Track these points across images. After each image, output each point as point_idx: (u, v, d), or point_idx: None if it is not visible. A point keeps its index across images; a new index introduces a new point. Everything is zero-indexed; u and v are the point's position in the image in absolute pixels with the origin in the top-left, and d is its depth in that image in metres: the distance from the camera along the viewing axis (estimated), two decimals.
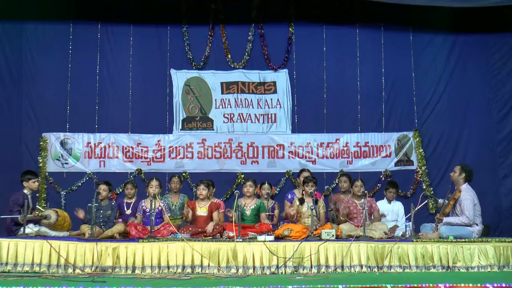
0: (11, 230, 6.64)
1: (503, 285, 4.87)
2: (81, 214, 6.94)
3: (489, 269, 6.13)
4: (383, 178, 8.78)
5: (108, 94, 8.83)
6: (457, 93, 8.92)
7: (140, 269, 6.02)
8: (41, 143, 8.55)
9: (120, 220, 7.17)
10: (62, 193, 8.52)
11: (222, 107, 8.96)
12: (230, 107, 8.96)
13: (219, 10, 8.97)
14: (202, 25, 8.96)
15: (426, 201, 8.23)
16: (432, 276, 5.76)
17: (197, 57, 8.98)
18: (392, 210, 7.69)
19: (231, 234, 6.40)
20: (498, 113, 8.85)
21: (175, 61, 8.96)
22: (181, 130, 8.87)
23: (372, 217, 7.10)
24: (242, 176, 8.60)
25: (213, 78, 9.00)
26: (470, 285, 4.90)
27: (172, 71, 8.94)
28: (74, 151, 8.68)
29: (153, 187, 7.15)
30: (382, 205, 7.62)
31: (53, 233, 6.63)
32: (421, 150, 8.82)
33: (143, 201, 7.24)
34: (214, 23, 9.00)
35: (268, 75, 9.05)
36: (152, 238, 6.29)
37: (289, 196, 7.55)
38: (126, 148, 8.75)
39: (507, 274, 5.94)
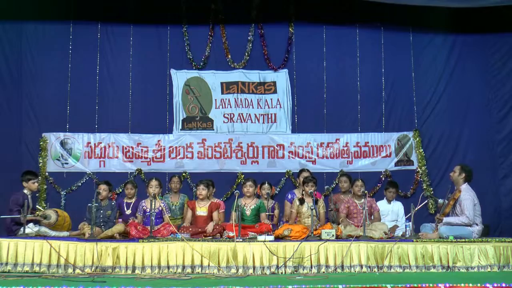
0: (11, 230, 6.64)
1: (503, 285, 4.87)
2: (86, 231, 6.61)
3: (489, 269, 6.12)
4: (383, 178, 8.78)
5: (108, 94, 8.83)
6: (457, 93, 8.92)
7: (140, 269, 6.02)
8: (41, 143, 8.54)
9: (120, 220, 7.16)
10: (62, 193, 8.51)
11: (222, 107, 8.96)
12: (230, 107, 8.95)
13: (219, 10, 8.96)
14: (202, 25, 8.96)
15: (426, 201, 8.24)
16: (432, 276, 5.76)
17: (197, 57, 8.98)
18: (392, 210, 7.69)
19: (231, 234, 6.40)
20: (498, 113, 8.85)
21: (175, 61, 8.96)
22: (181, 130, 8.86)
23: (372, 217, 7.10)
24: (242, 176, 8.60)
25: (213, 78, 9.00)
26: (470, 285, 4.90)
27: (172, 71, 8.94)
28: (74, 151, 8.68)
29: (153, 187, 7.16)
30: (382, 205, 7.62)
31: (53, 233, 6.63)
32: (421, 150, 8.81)
33: (143, 201, 7.25)
34: (214, 23, 8.99)
35: (268, 75, 9.04)
36: (152, 238, 6.28)
37: (289, 196, 7.56)
38: (126, 148, 8.75)
39: (507, 274, 5.94)
